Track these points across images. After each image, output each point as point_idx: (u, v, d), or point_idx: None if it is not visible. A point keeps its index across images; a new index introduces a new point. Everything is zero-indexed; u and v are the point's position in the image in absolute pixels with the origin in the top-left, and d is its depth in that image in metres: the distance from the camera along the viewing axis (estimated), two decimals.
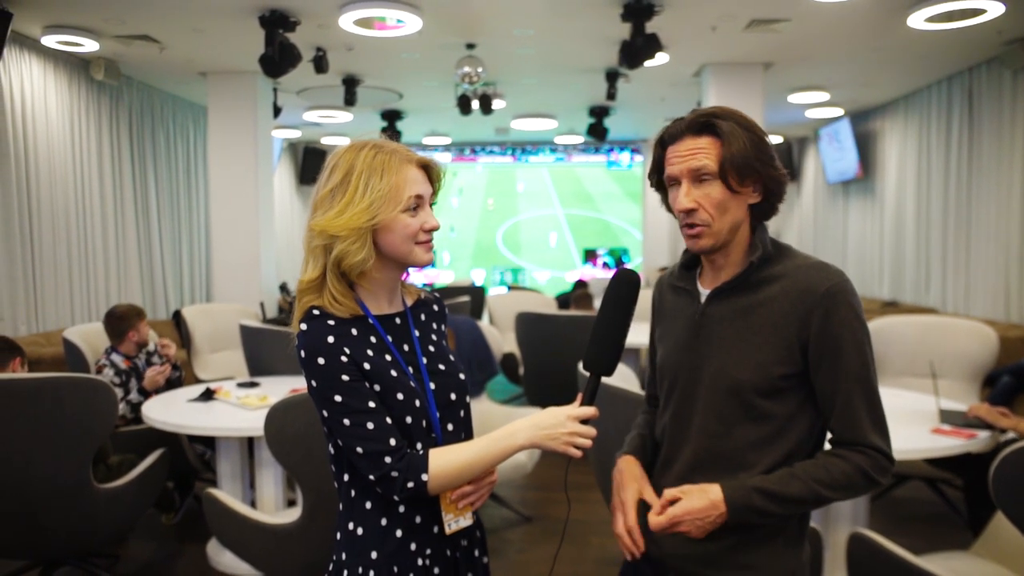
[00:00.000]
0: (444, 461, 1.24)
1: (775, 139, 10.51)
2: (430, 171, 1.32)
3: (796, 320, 1.25)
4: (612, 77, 6.87)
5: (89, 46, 5.72)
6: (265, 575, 2.79)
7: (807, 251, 1.37)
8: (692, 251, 1.35)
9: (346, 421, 1.22)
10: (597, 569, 3.29)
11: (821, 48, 6.07)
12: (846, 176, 9.14)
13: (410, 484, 1.22)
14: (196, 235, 8.30)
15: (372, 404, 1.23)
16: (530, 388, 5.63)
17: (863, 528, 2.39)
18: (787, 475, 1.25)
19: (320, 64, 5.95)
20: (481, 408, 4.05)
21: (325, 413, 1.24)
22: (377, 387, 1.24)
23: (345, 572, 1.30)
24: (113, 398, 2.77)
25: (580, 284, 7.79)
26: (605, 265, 12.41)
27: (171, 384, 3.84)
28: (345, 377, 1.22)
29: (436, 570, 1.31)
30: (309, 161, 10.89)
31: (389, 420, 1.24)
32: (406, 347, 1.33)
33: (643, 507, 1.36)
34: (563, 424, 1.24)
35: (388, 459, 1.21)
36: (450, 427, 1.34)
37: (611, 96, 7.09)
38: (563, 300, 7.53)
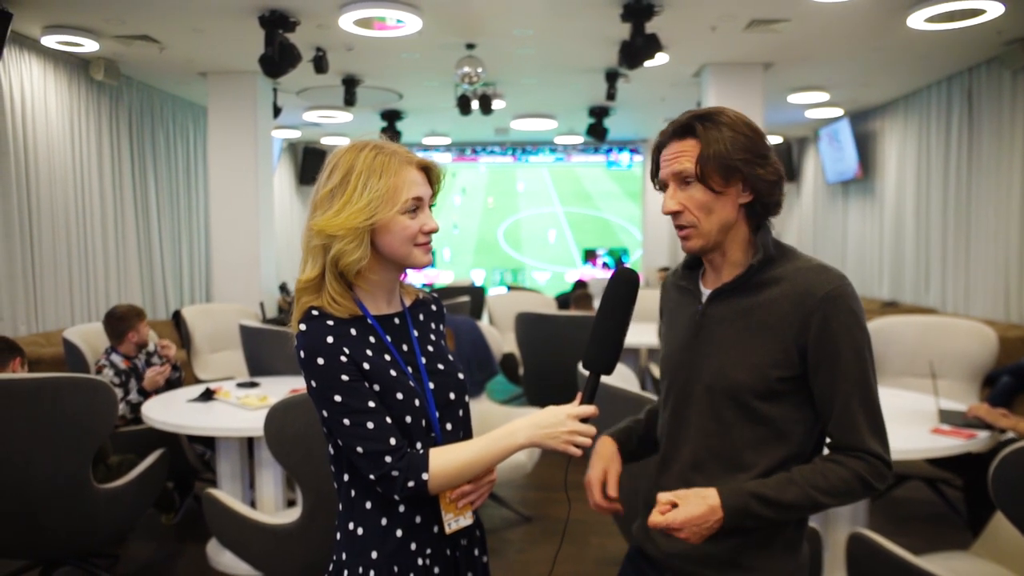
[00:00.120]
0: (444, 460, 1.24)
1: (775, 139, 10.50)
2: (430, 173, 1.32)
3: (795, 323, 1.25)
4: (612, 77, 6.87)
5: (89, 46, 5.72)
6: (265, 575, 2.80)
7: (807, 251, 1.37)
8: (685, 252, 1.36)
9: (346, 421, 1.22)
10: (597, 569, 3.29)
11: (821, 48, 6.07)
12: (846, 176, 9.14)
13: (410, 483, 1.22)
14: (196, 235, 8.30)
15: (372, 404, 1.23)
16: (530, 388, 5.63)
17: (863, 528, 2.38)
18: (785, 480, 1.24)
19: (320, 64, 5.96)
20: (481, 408, 4.05)
21: (325, 413, 1.24)
22: (376, 387, 1.24)
23: (345, 572, 1.30)
24: (113, 398, 2.77)
25: (580, 284, 7.79)
26: (605, 265, 12.41)
27: (171, 384, 3.84)
28: (345, 377, 1.22)
29: (436, 570, 1.31)
30: (309, 161, 10.89)
31: (389, 420, 1.24)
32: (405, 347, 1.33)
33: (646, 506, 1.36)
34: (563, 423, 1.25)
35: (388, 459, 1.22)
36: (449, 426, 1.34)
37: (611, 96, 7.09)
38: (563, 300, 7.53)
